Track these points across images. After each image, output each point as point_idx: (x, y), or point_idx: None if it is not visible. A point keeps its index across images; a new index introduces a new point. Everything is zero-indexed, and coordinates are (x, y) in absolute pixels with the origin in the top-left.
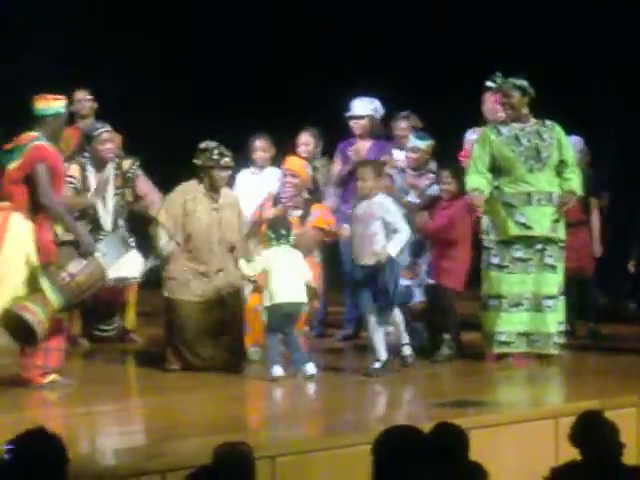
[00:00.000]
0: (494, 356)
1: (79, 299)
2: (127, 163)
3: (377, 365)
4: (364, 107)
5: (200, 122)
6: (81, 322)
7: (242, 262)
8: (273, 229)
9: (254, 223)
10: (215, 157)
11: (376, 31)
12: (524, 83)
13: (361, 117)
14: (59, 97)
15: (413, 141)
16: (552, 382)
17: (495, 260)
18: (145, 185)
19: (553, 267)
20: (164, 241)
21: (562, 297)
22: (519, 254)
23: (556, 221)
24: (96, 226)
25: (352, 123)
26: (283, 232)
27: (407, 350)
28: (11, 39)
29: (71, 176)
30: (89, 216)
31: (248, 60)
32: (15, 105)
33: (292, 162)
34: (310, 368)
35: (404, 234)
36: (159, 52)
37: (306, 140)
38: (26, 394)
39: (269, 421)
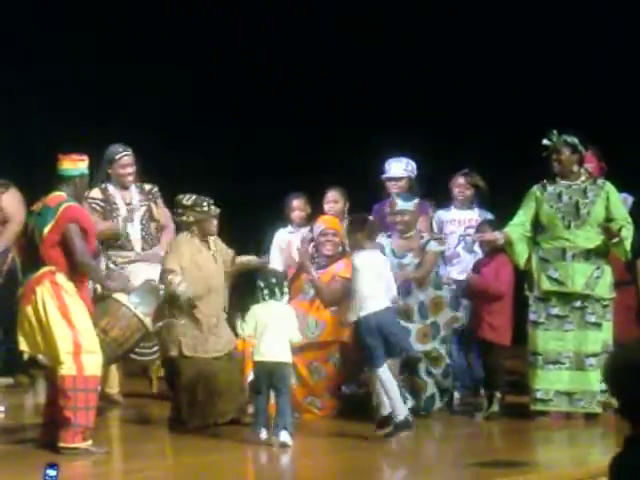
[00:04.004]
0: (533, 414)
1: (117, 354)
2: (148, 185)
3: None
4: (402, 168)
5: (237, 184)
6: (118, 379)
7: (240, 324)
8: (265, 283)
9: (290, 280)
10: (206, 209)
11: (411, 89)
12: (575, 140)
13: (399, 179)
14: (83, 157)
15: (400, 205)
16: (591, 441)
17: (533, 317)
18: (163, 212)
19: (597, 325)
20: (183, 286)
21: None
22: (555, 311)
23: (597, 278)
24: (128, 248)
25: (390, 184)
26: (275, 286)
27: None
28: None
29: (93, 198)
30: (118, 240)
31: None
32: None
33: (330, 221)
34: (283, 436)
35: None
36: (191, 112)
37: (334, 198)
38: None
39: None
